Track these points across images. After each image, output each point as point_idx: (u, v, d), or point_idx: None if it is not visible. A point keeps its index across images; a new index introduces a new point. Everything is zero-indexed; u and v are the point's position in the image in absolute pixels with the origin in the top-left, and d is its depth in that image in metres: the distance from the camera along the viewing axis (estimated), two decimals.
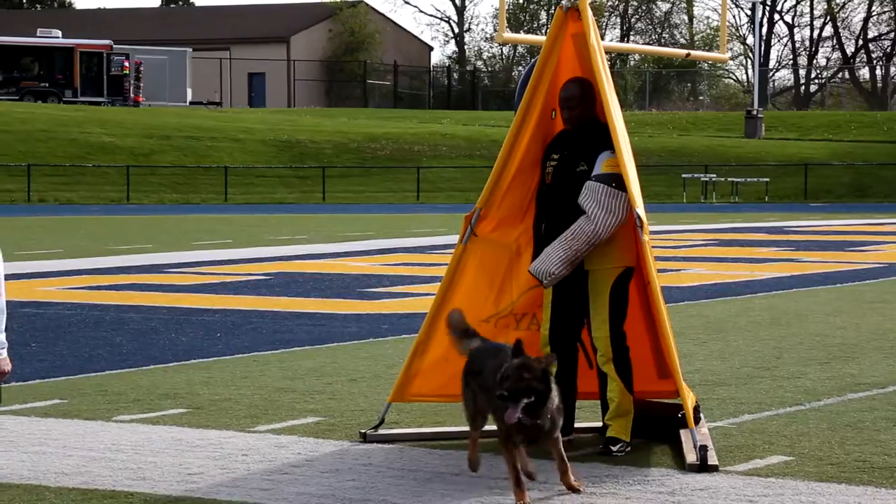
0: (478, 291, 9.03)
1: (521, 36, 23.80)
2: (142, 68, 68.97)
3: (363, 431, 8.99)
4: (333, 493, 7.58)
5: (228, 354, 12.72)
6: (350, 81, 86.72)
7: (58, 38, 68.71)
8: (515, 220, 9.09)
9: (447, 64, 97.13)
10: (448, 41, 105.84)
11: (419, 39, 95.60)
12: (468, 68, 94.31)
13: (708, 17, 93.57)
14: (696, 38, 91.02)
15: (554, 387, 7.17)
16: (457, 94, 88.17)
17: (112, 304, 16.87)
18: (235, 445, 8.73)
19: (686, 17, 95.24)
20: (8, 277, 5.64)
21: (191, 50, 74.23)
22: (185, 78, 73.21)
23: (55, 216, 39.58)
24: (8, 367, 5.60)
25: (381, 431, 8.98)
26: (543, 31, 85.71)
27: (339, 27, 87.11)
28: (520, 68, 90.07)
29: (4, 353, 5.58)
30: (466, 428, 7.89)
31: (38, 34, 69.40)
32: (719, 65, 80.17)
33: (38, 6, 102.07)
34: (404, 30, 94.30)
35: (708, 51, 39.34)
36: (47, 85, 67.57)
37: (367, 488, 7.69)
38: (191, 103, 72.76)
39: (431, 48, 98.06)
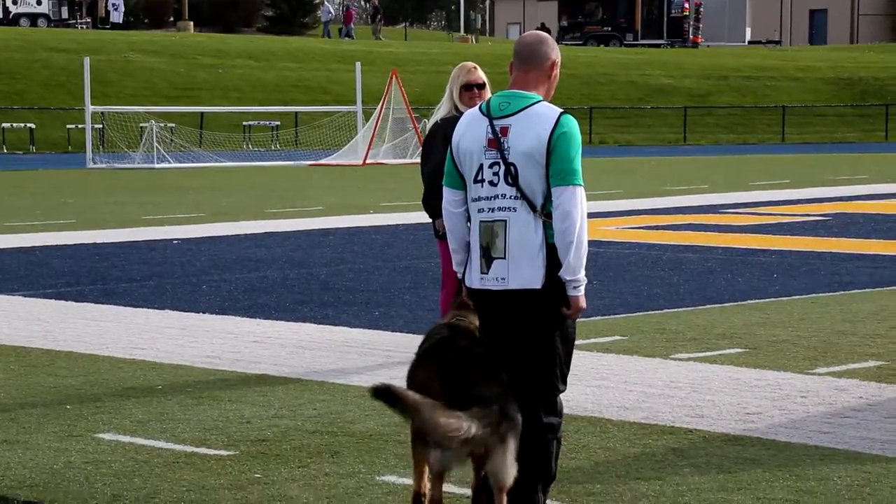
0: None
1: None
2: (701, 9, 69.07)
3: None
4: None
5: (785, 296, 12.60)
6: None
7: None
8: None
9: None
10: None
11: None
12: None
13: None
14: None
15: None
16: None
17: (669, 244, 17.09)
18: (794, 387, 8.66)
19: None
20: None
21: None
22: (744, 17, 72.71)
23: (615, 157, 40.45)
24: (584, 304, 5.78)
25: None
26: None
27: None
28: None
29: (582, 289, 5.75)
30: None
31: None
32: None
33: None
34: None
35: None
36: (609, 29, 69.00)
37: None
38: (749, 43, 72.22)
39: None
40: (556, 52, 5.93)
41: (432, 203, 8.69)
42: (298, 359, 9.82)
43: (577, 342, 5.95)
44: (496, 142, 5.78)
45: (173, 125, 40.35)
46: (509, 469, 5.55)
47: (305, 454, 7.21)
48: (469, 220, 5.91)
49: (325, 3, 68.52)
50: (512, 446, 5.54)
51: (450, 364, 5.71)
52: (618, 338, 10.43)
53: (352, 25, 71.16)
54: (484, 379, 5.62)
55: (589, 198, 6.18)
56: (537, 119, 5.75)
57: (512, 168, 5.75)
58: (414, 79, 47.28)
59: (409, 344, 10.30)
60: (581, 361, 9.23)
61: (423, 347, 5.93)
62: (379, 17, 70.65)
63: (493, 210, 5.79)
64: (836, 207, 21.86)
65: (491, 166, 5.79)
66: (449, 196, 5.96)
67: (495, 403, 5.50)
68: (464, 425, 5.37)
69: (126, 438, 7.57)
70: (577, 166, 5.74)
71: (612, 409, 8.13)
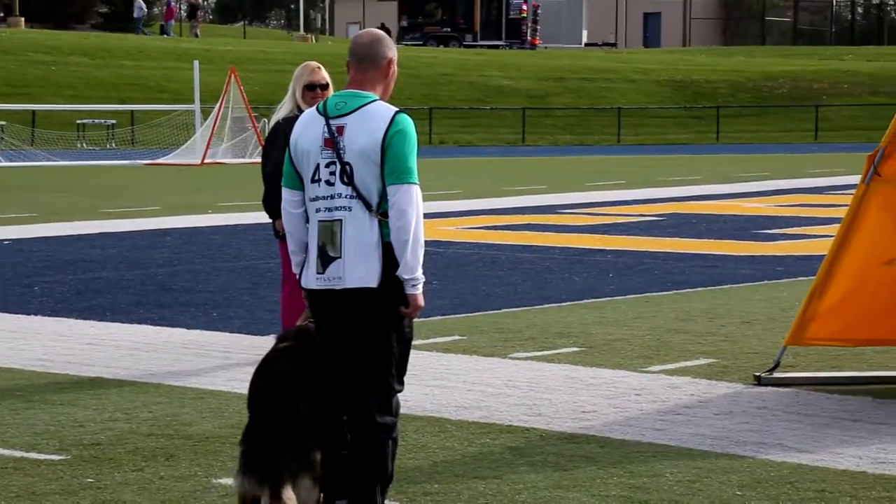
0: (882, 233, 8.75)
1: None
2: (539, 11, 69.72)
3: (758, 374, 8.90)
4: (727, 434, 7.54)
5: (620, 295, 12.78)
6: (748, 19, 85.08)
7: None
8: None
9: None
10: None
11: None
12: (874, 2, 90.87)
13: None
14: None
15: None
16: (861, 30, 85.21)
17: (508, 244, 17.22)
18: (628, 385, 8.79)
19: None
20: None
21: None
22: (581, 20, 73.58)
23: (455, 157, 40.63)
24: (422, 302, 5.77)
25: (776, 374, 8.86)
26: None
27: None
28: None
29: (420, 287, 5.75)
30: (867, 373, 7.61)
31: None
32: None
33: None
34: None
35: None
36: (449, 30, 69.29)
37: (762, 431, 7.61)
38: (586, 45, 73.11)
39: None
40: (392, 51, 5.93)
41: (272, 203, 8.61)
42: (134, 360, 9.67)
43: (416, 342, 5.95)
44: (332, 141, 5.76)
45: (3, 123, 39.46)
46: (309, 496, 5.70)
47: (140, 458, 7.10)
48: (308, 220, 5.89)
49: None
50: (307, 482, 5.68)
51: (262, 390, 5.82)
52: (457, 337, 10.47)
53: (171, 23, 69.99)
54: (278, 414, 5.69)
55: (428, 198, 6.19)
56: (372, 118, 5.75)
57: (347, 167, 5.74)
58: (253, 78, 46.91)
59: (247, 345, 10.22)
60: (420, 361, 9.25)
61: (262, 358, 5.93)
62: (200, 12, 69.56)
63: (330, 210, 5.77)
64: (669, 208, 22.24)
65: (327, 166, 5.77)
66: (288, 197, 5.93)
67: (283, 448, 5.62)
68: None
69: None
70: (412, 164, 5.74)
71: (450, 409, 8.16)
